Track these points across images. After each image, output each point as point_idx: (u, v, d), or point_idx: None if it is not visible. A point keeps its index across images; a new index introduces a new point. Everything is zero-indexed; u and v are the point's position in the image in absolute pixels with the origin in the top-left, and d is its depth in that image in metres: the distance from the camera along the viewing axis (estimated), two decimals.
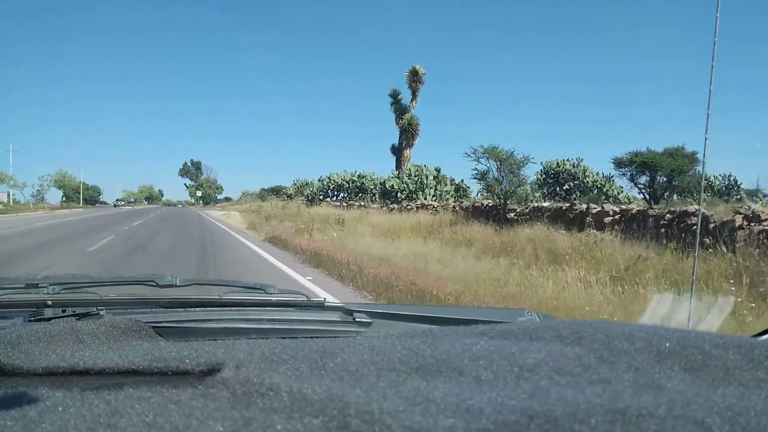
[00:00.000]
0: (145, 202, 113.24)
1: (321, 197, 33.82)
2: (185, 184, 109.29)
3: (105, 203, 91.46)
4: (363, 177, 32.83)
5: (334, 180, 34.56)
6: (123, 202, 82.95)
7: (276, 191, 64.86)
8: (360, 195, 31.08)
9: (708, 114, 2.39)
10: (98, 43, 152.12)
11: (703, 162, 3.53)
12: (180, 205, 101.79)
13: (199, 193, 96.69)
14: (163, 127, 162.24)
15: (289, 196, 40.30)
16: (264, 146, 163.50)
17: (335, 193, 34.34)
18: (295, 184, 45.02)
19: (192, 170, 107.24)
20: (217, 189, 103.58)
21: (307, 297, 1.28)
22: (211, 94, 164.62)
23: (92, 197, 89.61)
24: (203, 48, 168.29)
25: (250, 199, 56.88)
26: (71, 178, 75.65)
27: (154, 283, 1.26)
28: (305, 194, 35.92)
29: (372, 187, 30.53)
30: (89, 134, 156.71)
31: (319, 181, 36.64)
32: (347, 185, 33.31)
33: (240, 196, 74.14)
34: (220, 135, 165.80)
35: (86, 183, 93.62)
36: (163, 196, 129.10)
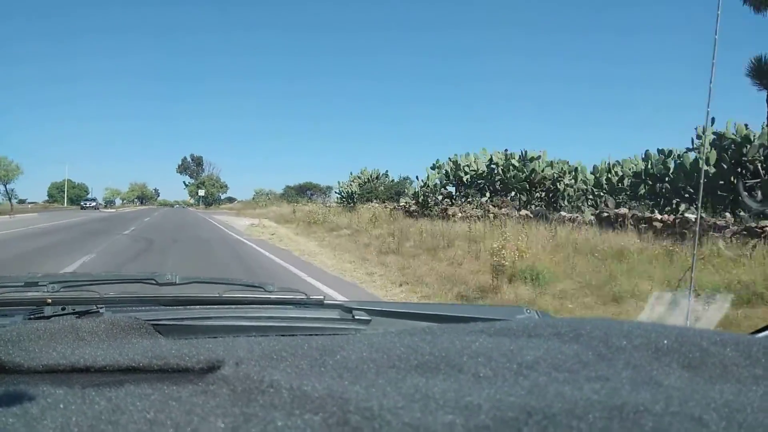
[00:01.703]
0: (137, 203, 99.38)
1: (439, 197, 17.86)
2: (184, 182, 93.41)
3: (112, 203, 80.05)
4: (532, 158, 17.00)
5: (468, 167, 18.07)
6: (97, 203, 58.20)
7: (305, 189, 52.93)
8: (517, 194, 16.75)
9: (708, 112, 2.40)
10: (97, 40, 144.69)
11: (704, 161, 3.54)
12: (177, 205, 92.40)
13: (201, 192, 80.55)
14: (160, 123, 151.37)
15: (350, 198, 26.94)
16: (270, 145, 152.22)
17: (463, 190, 18.11)
18: (358, 177, 29.50)
19: (192, 166, 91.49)
20: (222, 188, 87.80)
21: (306, 295, 1.28)
22: (212, 90, 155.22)
23: (79, 196, 75.36)
24: (204, 45, 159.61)
25: (268, 200, 44.57)
26: (13, 166, 43.91)
27: (154, 282, 1.26)
28: (411, 193, 20.63)
29: (553, 177, 16.24)
30: (81, 130, 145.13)
31: (434, 169, 19.92)
32: (500, 176, 17.13)
33: (253, 196, 60.92)
34: (221, 132, 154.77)
35: (72, 180, 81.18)
36: (158, 195, 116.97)
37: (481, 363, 0.54)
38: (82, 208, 49.97)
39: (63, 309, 1.06)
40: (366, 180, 29.31)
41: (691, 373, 0.52)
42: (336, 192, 31.28)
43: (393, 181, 29.76)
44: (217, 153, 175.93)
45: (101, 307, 1.08)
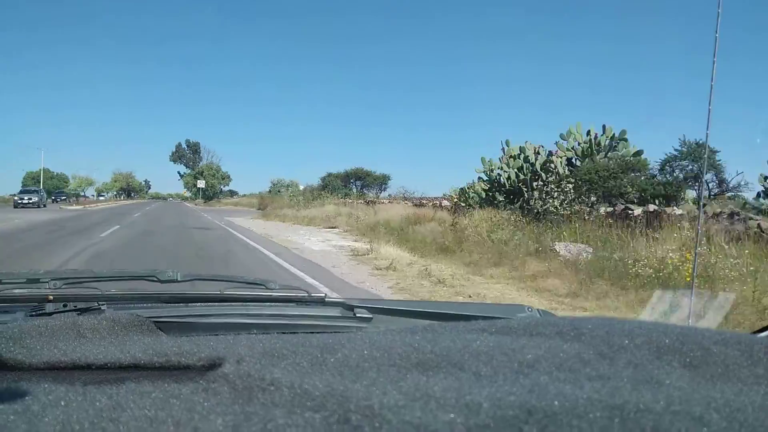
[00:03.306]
0: (122, 196, 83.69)
1: None
2: (179, 172, 77.36)
3: (81, 196, 61.58)
4: None
5: None
6: (42, 198, 35.92)
7: (352, 178, 39.51)
8: None
9: (709, 110, 2.39)
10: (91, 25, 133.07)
11: (705, 158, 3.54)
12: (171, 198, 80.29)
13: (200, 184, 64.50)
14: (152, 108, 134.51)
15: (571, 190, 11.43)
16: (274, 132, 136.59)
17: None
18: (570, 145, 14.70)
19: (188, 154, 76.50)
20: (223, 179, 71.73)
21: (307, 292, 1.29)
22: (208, 74, 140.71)
23: (57, 187, 63.49)
24: (199, 28, 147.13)
25: (303, 195, 31.06)
26: None
27: (155, 279, 1.27)
28: None
29: None
30: (62, 113, 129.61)
31: None
32: None
33: (270, 187, 45.48)
34: (217, 117, 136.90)
35: (49, 170, 67.73)
36: (150, 187, 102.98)
37: (482, 361, 0.54)
38: (15, 206, 32.20)
39: (65, 306, 1.06)
40: (588, 150, 14.29)
41: (692, 373, 0.52)
42: (483, 177, 15.43)
43: (641, 154, 13.95)
44: (213, 141, 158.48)
45: (103, 304, 1.08)
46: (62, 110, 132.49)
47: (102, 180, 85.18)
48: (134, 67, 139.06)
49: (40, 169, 63.09)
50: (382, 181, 41.20)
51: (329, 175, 38.63)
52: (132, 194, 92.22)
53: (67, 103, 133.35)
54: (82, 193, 62.42)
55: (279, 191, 42.31)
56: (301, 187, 39.69)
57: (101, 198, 65.86)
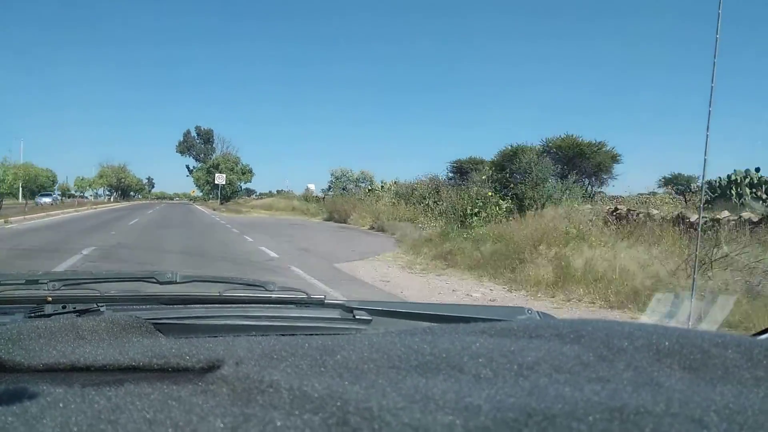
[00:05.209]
0: (115, 196, 67.14)
1: None
2: (188, 166, 62.91)
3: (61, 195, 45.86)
4: None
5: None
6: None
7: (564, 157, 17.68)
8: None
9: (709, 111, 2.39)
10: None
11: (705, 160, 3.54)
12: (176, 198, 69.36)
13: (219, 180, 47.72)
14: (154, 96, 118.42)
15: None
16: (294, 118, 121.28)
17: None
18: None
19: (198, 144, 62.48)
20: (245, 174, 55.59)
21: (307, 294, 1.28)
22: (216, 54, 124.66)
23: (42, 186, 49.04)
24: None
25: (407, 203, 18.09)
26: None
27: (154, 280, 1.26)
28: None
29: None
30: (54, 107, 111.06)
31: None
32: None
33: (330, 184, 33.04)
34: (230, 104, 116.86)
35: (32, 164, 48.91)
36: (153, 186, 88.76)
37: (482, 364, 0.54)
38: None
39: (63, 307, 1.06)
40: None
41: (692, 375, 0.52)
42: None
43: None
44: (224, 129, 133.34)
45: (102, 306, 1.08)
46: (51, 100, 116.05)
47: (79, 174, 65.28)
48: (133, 60, 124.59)
49: (21, 165, 46.77)
50: (599, 166, 19.73)
51: (515, 148, 18.23)
52: (132, 193, 75.07)
53: (56, 91, 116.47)
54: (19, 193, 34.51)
55: (344, 188, 29.82)
56: (384, 184, 24.27)
57: (43, 201, 36.46)
